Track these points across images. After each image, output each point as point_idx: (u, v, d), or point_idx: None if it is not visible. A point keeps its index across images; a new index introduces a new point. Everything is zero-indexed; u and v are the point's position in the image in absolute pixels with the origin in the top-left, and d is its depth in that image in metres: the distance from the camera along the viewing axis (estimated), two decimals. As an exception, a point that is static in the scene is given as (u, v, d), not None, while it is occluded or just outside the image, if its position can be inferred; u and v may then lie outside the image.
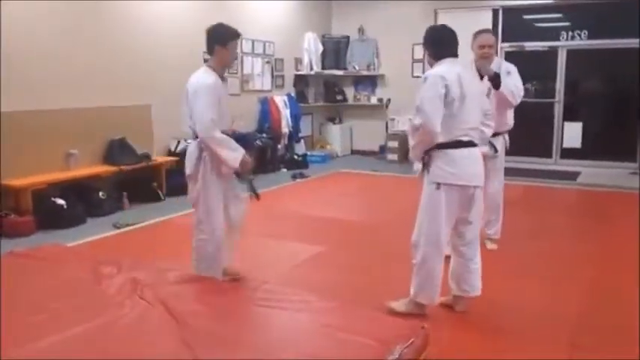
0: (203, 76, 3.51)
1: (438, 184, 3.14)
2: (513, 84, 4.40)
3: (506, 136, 4.69)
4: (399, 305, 3.32)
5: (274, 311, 2.79)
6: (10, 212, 5.34)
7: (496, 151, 4.47)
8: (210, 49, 3.57)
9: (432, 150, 3.16)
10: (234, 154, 3.46)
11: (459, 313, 3.39)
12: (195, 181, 3.58)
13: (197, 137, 3.51)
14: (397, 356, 2.30)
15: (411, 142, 3.25)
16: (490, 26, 9.03)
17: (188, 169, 3.61)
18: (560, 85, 9.14)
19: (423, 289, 3.25)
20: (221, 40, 3.53)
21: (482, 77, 4.22)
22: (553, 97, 9.19)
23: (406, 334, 2.48)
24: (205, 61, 3.74)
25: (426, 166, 3.21)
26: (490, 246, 4.66)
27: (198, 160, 3.54)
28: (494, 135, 4.31)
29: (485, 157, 4.33)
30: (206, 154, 3.51)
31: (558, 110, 9.18)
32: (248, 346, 2.40)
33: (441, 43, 3.25)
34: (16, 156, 5.50)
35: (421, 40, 3.34)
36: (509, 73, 4.44)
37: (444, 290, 3.40)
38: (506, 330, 3.22)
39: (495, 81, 4.25)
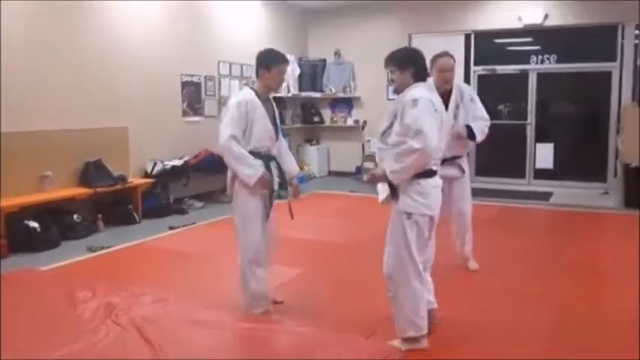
0: (237, 94, 3.63)
1: (409, 214, 3.08)
2: (482, 119, 4.46)
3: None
4: (401, 344, 3.16)
5: (250, 336, 2.79)
6: (-18, 236, 5.26)
7: (463, 171, 4.56)
8: (256, 73, 3.64)
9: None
10: (249, 171, 3.43)
11: (433, 333, 3.41)
12: (232, 200, 3.63)
13: None
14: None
15: (397, 165, 3.04)
16: (462, 50, 9.29)
17: (227, 189, 3.65)
18: (531, 107, 9.35)
19: (411, 322, 3.13)
20: (264, 65, 3.57)
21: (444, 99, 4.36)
22: (525, 118, 9.38)
23: (382, 356, 2.50)
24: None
25: (393, 193, 3.14)
26: (472, 266, 4.70)
27: (232, 180, 3.58)
28: (460, 157, 4.47)
29: (453, 178, 4.45)
30: None
31: (530, 132, 9.38)
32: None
33: (420, 65, 3.17)
34: (-12, 179, 5.44)
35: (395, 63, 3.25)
36: (472, 100, 4.46)
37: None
38: (479, 349, 3.25)
39: (470, 134, 4.37)
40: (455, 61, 4.40)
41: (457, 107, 4.38)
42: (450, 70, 4.30)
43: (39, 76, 6.02)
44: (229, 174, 3.60)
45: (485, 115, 4.49)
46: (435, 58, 4.29)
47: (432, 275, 3.52)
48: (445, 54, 4.32)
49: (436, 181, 3.17)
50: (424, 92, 3.06)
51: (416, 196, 3.08)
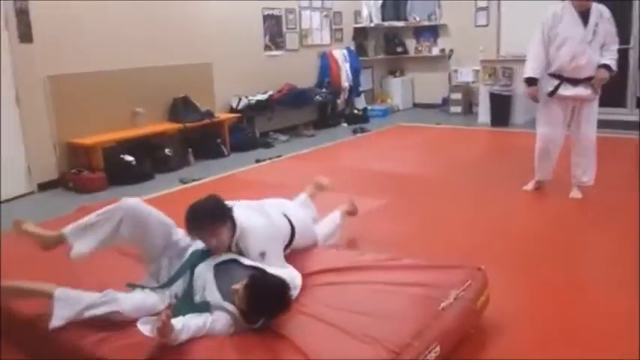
0: None
1: None
2: (613, 41, 4.45)
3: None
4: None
5: (337, 261, 2.86)
6: (83, 169, 5.61)
7: (597, 93, 4.50)
8: None
9: None
10: None
11: (521, 259, 3.34)
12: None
13: None
14: (452, 300, 2.34)
15: None
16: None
17: None
18: (635, 29, 8.59)
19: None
20: None
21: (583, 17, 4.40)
22: (627, 42, 8.65)
23: (462, 278, 2.50)
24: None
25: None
26: (574, 194, 4.70)
27: None
28: (593, 78, 4.43)
29: (584, 99, 4.51)
30: None
31: (634, 57, 8.65)
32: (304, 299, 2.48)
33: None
34: (85, 116, 5.76)
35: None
36: (609, 20, 4.45)
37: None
38: (575, 276, 3.20)
39: (611, 73, 4.41)
40: None
41: (597, 25, 4.41)
42: None
43: (127, 17, 6.19)
44: None
45: (616, 38, 4.53)
46: None
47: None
48: None
49: None
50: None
51: None
